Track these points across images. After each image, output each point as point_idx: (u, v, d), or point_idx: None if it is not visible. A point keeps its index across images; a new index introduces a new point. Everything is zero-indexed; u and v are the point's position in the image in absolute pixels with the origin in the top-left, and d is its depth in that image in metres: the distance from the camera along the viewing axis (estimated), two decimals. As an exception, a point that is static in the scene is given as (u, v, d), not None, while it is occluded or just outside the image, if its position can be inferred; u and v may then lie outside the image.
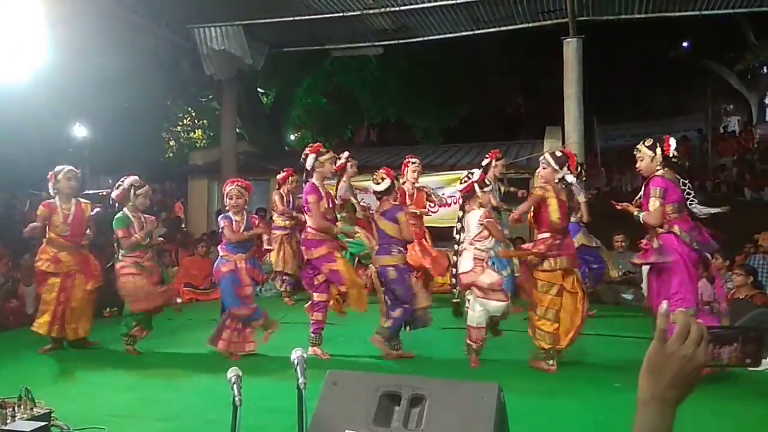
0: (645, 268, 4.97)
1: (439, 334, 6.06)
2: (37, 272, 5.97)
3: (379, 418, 2.43)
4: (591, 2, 8.92)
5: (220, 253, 5.59)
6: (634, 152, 4.77)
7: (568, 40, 9.24)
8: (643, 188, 4.69)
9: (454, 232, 5.20)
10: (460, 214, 5.22)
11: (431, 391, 2.45)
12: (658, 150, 4.61)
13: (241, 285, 5.47)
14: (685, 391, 1.06)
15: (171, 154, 21.30)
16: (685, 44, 20.15)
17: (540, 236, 4.92)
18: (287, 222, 8.25)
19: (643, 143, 4.71)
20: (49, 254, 5.80)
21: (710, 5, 8.79)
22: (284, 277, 8.29)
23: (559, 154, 5.04)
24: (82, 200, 6.04)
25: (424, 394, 2.45)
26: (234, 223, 5.52)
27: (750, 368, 1.14)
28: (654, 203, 4.50)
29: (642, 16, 9.25)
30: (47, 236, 5.81)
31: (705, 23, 12.28)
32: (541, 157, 5.08)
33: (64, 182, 5.80)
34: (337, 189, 6.95)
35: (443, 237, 6.17)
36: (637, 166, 4.72)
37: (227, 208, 5.65)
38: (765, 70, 18.26)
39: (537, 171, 5.31)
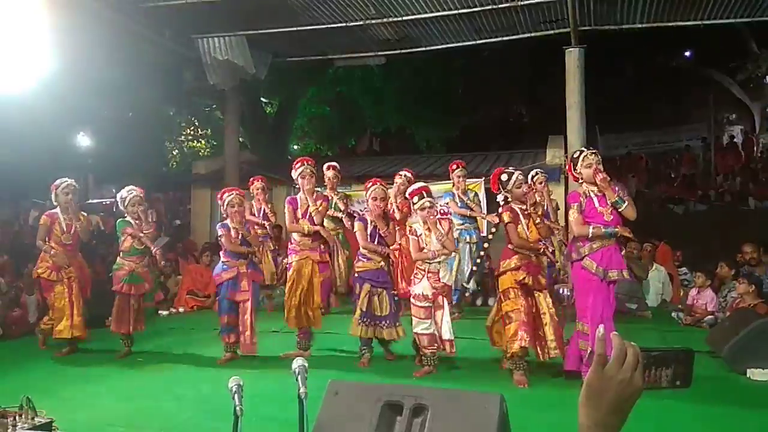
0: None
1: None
2: (40, 280, 6.13)
3: (380, 428, 2.41)
4: (593, 12, 8.94)
5: (222, 259, 5.71)
6: (593, 157, 4.72)
7: (570, 49, 9.26)
8: (606, 187, 4.68)
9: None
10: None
11: (433, 401, 2.43)
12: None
13: (238, 290, 5.58)
14: (625, 416, 1.04)
15: (174, 164, 21.33)
16: (687, 53, 20.16)
17: None
18: (264, 230, 8.12)
19: (594, 153, 4.78)
20: (48, 262, 5.97)
21: (712, 15, 8.80)
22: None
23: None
24: (82, 212, 6.23)
25: (426, 404, 2.43)
26: (232, 231, 5.61)
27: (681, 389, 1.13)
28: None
29: (644, 25, 9.27)
30: (48, 245, 5.96)
31: (707, 32, 12.30)
32: (520, 175, 5.11)
33: (62, 196, 5.99)
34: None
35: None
36: (601, 169, 4.70)
37: (225, 216, 5.74)
38: (767, 79, 18.23)
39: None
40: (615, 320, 5.93)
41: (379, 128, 19.33)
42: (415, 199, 5.07)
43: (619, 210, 4.62)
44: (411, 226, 5.27)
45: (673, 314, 7.49)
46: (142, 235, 5.92)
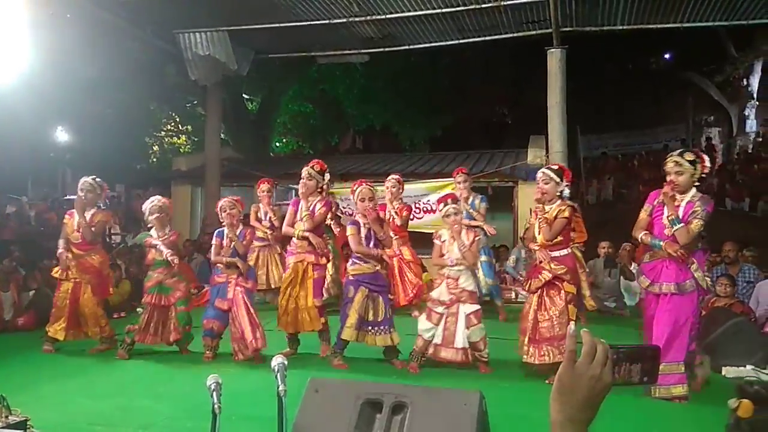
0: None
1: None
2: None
3: (360, 425, 2.42)
4: (575, 13, 9.02)
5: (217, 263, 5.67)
6: (669, 163, 4.35)
7: (552, 50, 9.33)
8: (667, 201, 4.36)
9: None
10: None
11: (413, 399, 2.45)
12: (698, 167, 4.35)
13: (225, 299, 5.51)
14: (594, 411, 1.08)
15: (154, 160, 21.11)
16: (666, 56, 20.45)
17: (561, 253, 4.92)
18: (265, 234, 7.93)
19: (682, 155, 4.36)
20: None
21: (691, 18, 8.93)
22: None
23: (555, 167, 5.10)
24: (100, 211, 6.09)
25: (405, 402, 2.44)
26: (225, 240, 5.56)
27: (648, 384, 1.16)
28: (700, 224, 4.31)
29: (625, 27, 9.37)
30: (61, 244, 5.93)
31: (686, 35, 12.48)
32: (540, 172, 5.03)
33: (79, 193, 5.94)
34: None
35: (427, 244, 6.14)
36: (675, 178, 4.31)
37: (222, 222, 5.66)
38: (744, 81, 18.53)
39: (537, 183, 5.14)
40: (593, 320, 5.98)
41: (362, 126, 19.30)
42: (441, 206, 5.26)
43: (672, 228, 4.31)
44: (437, 232, 5.31)
45: (651, 313, 7.58)
46: (158, 243, 5.72)
